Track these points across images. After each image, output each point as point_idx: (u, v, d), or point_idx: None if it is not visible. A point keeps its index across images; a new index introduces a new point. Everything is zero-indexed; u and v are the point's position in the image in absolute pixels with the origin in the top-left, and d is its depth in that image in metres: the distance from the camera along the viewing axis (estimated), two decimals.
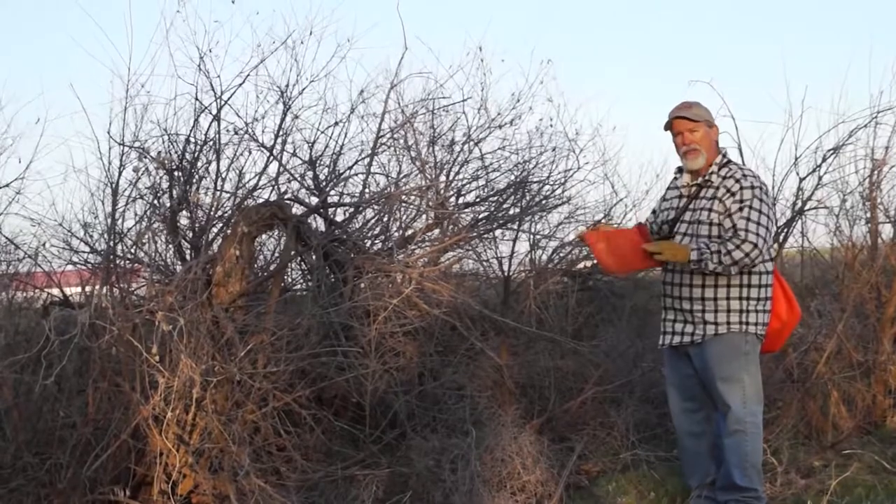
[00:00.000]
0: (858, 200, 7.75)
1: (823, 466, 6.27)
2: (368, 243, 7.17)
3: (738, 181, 5.42)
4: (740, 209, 5.34)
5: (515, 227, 8.44)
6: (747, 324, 5.44)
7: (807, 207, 7.84)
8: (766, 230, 5.32)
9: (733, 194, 5.39)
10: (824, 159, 7.70)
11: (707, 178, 5.54)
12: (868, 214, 7.66)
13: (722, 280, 5.43)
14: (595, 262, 6.46)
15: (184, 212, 6.52)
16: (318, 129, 7.30)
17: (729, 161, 5.61)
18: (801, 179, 7.79)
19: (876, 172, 7.53)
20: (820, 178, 7.75)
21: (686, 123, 5.54)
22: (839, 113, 7.77)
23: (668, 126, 5.64)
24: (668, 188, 5.94)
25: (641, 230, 5.88)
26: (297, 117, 7.07)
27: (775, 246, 5.62)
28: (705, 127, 5.56)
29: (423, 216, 7.49)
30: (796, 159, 7.82)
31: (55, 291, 6.98)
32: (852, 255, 7.60)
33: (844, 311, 7.26)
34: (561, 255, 9.13)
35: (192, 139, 6.54)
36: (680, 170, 5.81)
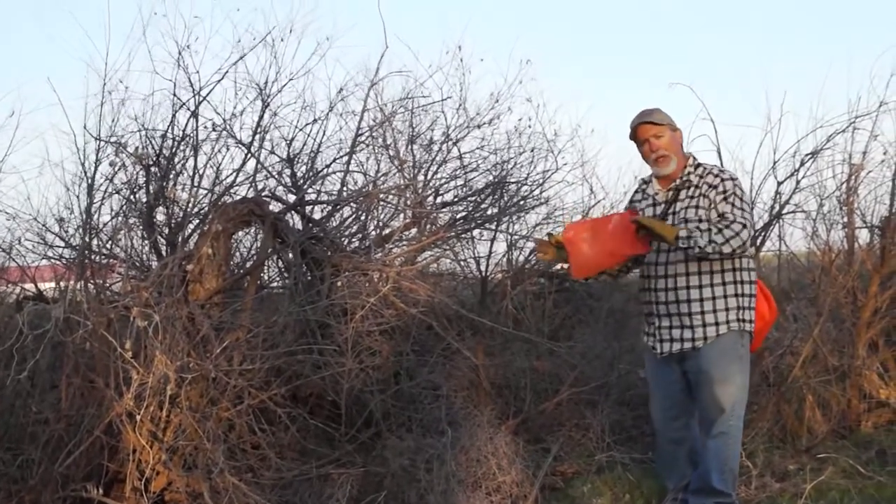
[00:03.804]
0: (836, 205, 7.75)
1: (798, 470, 6.28)
2: (346, 241, 7.15)
3: (717, 176, 5.44)
4: (724, 199, 5.34)
5: (493, 227, 8.43)
6: (742, 321, 5.42)
7: (784, 211, 7.86)
8: (749, 217, 5.34)
9: (715, 187, 5.39)
10: (802, 163, 7.72)
11: (685, 178, 5.53)
12: (845, 219, 7.67)
13: (717, 279, 5.40)
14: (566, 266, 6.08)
15: (160, 207, 6.49)
16: (296, 127, 7.29)
17: (700, 163, 5.61)
18: (779, 183, 7.83)
19: (853, 177, 7.54)
20: (798, 182, 7.78)
21: (651, 128, 5.51)
22: (817, 118, 7.81)
23: (633, 135, 5.62)
24: (632, 200, 5.89)
25: (631, 213, 5.59)
26: (275, 114, 7.06)
27: (752, 248, 5.60)
28: (669, 131, 5.54)
29: (401, 215, 7.49)
30: (774, 163, 7.85)
31: (29, 286, 6.94)
32: (829, 259, 7.61)
33: (820, 315, 7.27)
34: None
35: (170, 135, 6.52)
36: (644, 181, 5.80)
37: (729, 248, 5.20)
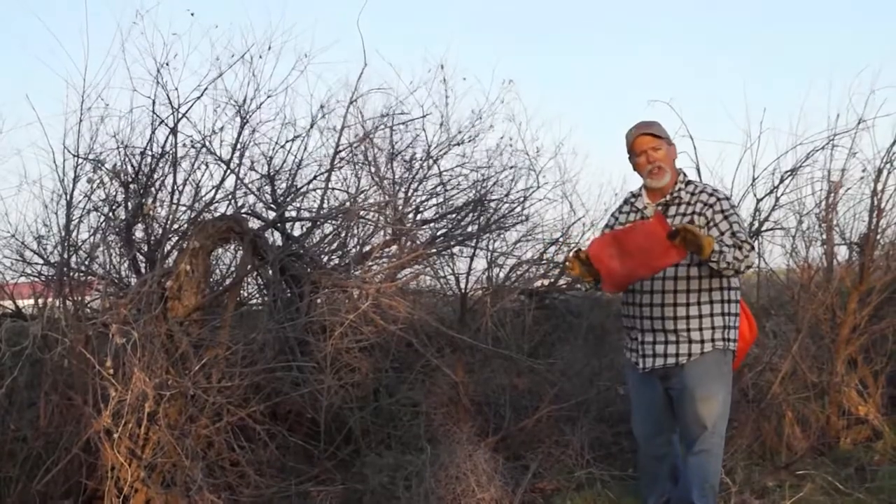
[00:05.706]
0: (814, 222, 7.78)
1: (777, 487, 6.27)
2: (325, 258, 7.15)
3: (711, 195, 5.39)
4: (725, 218, 5.31)
5: (473, 244, 8.40)
6: (727, 340, 5.38)
7: (764, 228, 7.89)
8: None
9: (711, 206, 5.34)
10: (781, 180, 7.76)
11: (675, 194, 5.47)
12: (824, 236, 7.69)
13: (705, 297, 5.34)
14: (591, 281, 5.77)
15: (139, 224, 6.47)
16: (276, 144, 7.27)
17: (690, 180, 5.59)
18: (759, 200, 7.86)
19: (832, 195, 7.56)
20: (777, 199, 7.81)
21: (651, 140, 5.45)
22: (797, 135, 7.83)
23: (630, 146, 5.54)
24: (621, 212, 5.80)
25: (660, 219, 5.25)
26: (254, 131, 7.04)
27: None
28: (666, 144, 5.49)
29: (381, 232, 7.45)
30: (754, 180, 7.88)
31: (7, 303, 6.92)
32: (808, 276, 7.64)
33: (799, 331, 7.29)
34: (518, 273, 9.11)
35: (149, 152, 6.49)
36: (633, 193, 5.77)
37: (742, 267, 5.19)
